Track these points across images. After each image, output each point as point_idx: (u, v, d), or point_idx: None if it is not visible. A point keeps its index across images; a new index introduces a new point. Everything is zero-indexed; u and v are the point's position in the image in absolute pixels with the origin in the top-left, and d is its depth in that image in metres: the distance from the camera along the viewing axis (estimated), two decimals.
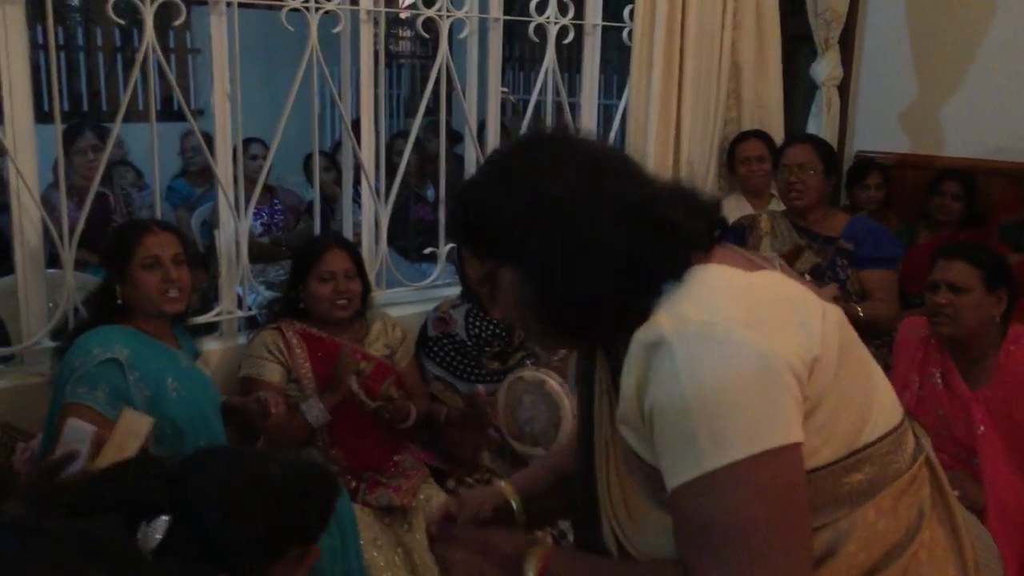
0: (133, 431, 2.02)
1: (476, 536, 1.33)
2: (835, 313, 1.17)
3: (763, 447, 1.04)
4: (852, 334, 1.20)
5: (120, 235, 2.43)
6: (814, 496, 1.11)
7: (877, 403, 1.20)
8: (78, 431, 1.87)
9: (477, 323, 3.09)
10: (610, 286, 1.13)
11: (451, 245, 3.47)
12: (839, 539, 1.14)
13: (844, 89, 4.30)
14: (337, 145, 4.93)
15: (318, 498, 1.41)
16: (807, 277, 2.97)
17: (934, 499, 1.25)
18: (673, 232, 1.14)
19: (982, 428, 2.44)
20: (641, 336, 1.10)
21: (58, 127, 2.70)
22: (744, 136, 3.88)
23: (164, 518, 1.26)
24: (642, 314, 1.11)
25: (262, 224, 4.35)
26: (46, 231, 2.65)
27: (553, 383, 2.82)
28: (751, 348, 1.05)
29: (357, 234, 3.42)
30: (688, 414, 1.05)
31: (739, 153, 3.86)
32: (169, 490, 1.30)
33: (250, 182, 3.11)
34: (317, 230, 3.30)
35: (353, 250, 2.90)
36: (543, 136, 1.28)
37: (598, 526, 1.29)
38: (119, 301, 2.34)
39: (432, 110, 3.46)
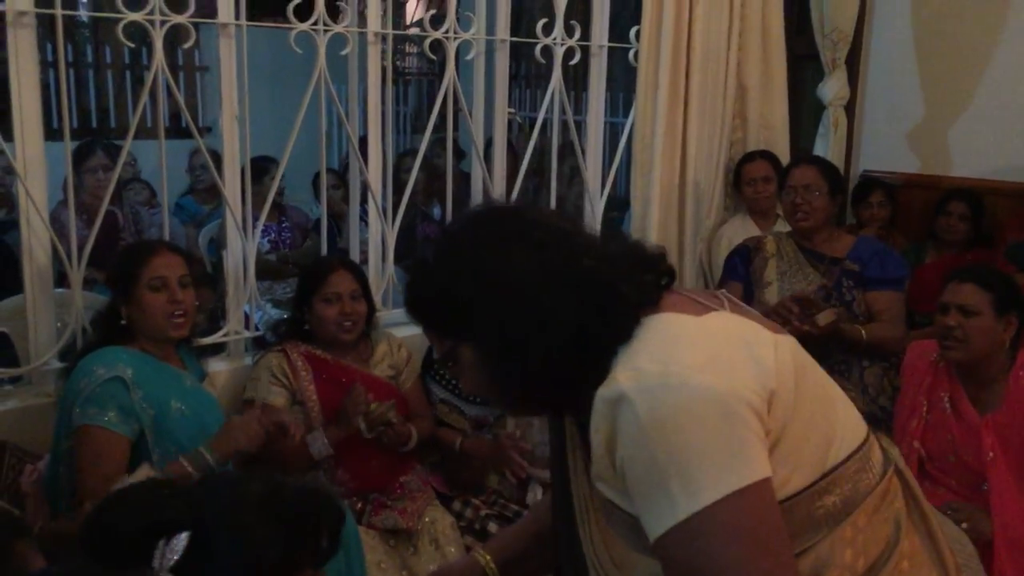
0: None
1: None
2: (788, 343, 1.20)
3: (733, 487, 1.07)
4: (807, 360, 1.23)
5: (127, 256, 2.44)
6: (790, 523, 1.13)
7: (839, 424, 1.23)
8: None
9: None
10: (562, 358, 1.17)
11: None
12: (821, 564, 1.17)
13: (850, 109, 4.30)
14: (346, 163, 4.95)
15: (329, 522, 1.41)
16: (811, 296, 2.97)
17: (909, 508, 1.28)
18: (619, 298, 1.18)
19: (991, 454, 2.43)
20: (603, 393, 1.13)
21: (67, 146, 2.71)
22: (750, 157, 3.88)
23: (184, 535, 1.26)
24: (601, 373, 1.15)
25: (269, 241, 4.36)
26: (55, 250, 2.66)
27: None
28: (708, 391, 1.08)
29: (364, 252, 3.42)
30: (656, 464, 1.08)
31: (745, 174, 3.86)
32: (185, 510, 1.30)
33: (263, 201, 3.11)
34: (324, 249, 3.30)
35: (358, 271, 2.90)
36: (493, 212, 1.32)
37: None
38: (123, 322, 2.34)
39: (439, 127, 3.47)
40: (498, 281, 1.17)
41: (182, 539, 1.26)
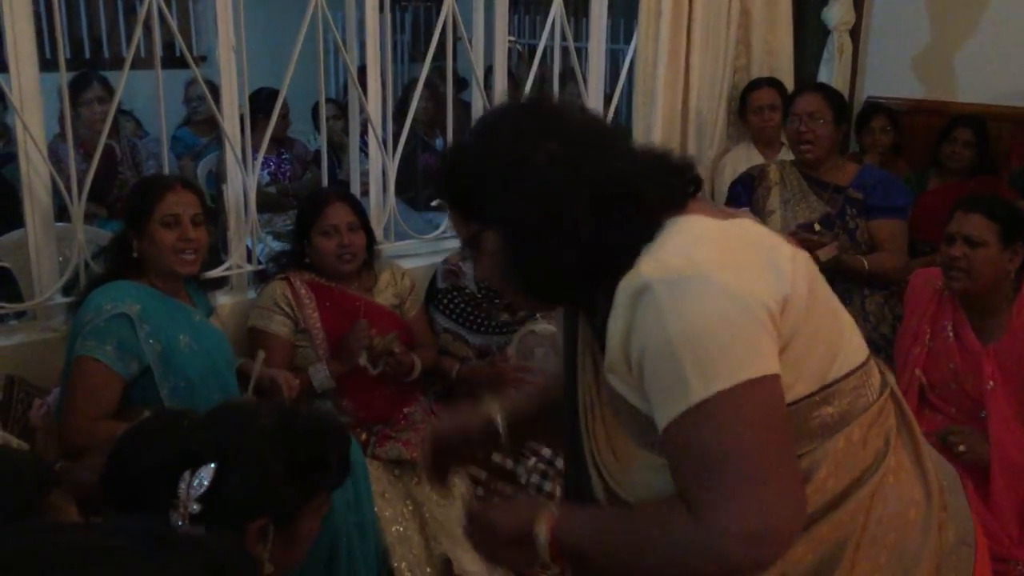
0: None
1: (483, 517, 1.38)
2: (803, 256, 1.24)
3: (746, 377, 1.12)
4: (819, 276, 1.27)
5: (143, 190, 2.41)
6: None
7: (844, 340, 1.27)
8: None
9: None
10: (584, 254, 1.20)
11: None
12: (813, 467, 1.22)
13: (855, 34, 4.23)
14: (344, 90, 4.88)
15: (339, 445, 1.46)
16: (817, 227, 2.97)
17: (899, 428, 1.33)
18: (644, 200, 1.21)
19: (991, 383, 2.45)
20: (625, 285, 1.17)
21: (63, 77, 2.67)
22: (757, 84, 3.83)
23: (212, 466, 1.28)
24: (623, 268, 1.18)
25: (269, 174, 4.33)
26: (54, 184, 2.64)
27: None
28: (728, 288, 1.13)
29: (365, 183, 3.40)
30: (674, 353, 1.12)
31: (751, 101, 3.81)
32: (208, 442, 1.32)
33: (263, 134, 3.08)
34: (325, 181, 3.28)
35: (355, 202, 2.89)
36: (534, 104, 1.34)
37: (586, 470, 1.37)
38: (135, 255, 2.34)
39: (437, 56, 3.41)
40: (529, 170, 1.19)
41: (210, 470, 1.28)
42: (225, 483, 1.29)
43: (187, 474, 1.28)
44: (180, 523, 1.27)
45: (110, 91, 3.87)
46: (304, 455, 1.37)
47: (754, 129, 3.84)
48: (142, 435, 1.37)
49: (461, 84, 4.61)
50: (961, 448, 2.34)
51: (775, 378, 1.15)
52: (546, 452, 2.79)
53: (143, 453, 1.32)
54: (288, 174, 4.43)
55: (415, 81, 4.80)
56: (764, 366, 1.13)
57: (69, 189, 2.65)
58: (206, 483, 1.27)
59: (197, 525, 1.27)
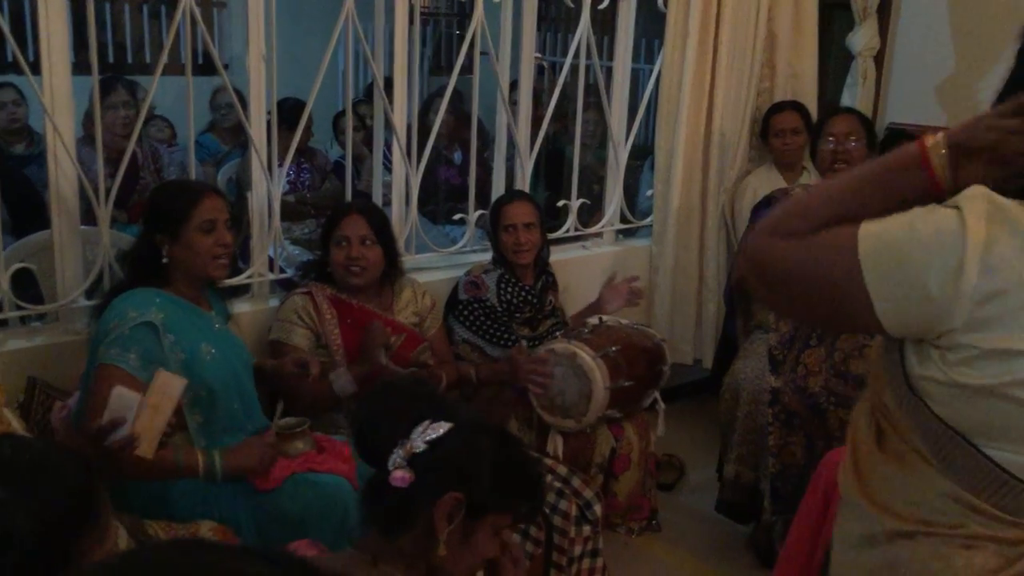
0: (168, 393, 2.04)
1: None
2: None
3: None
4: None
5: (177, 195, 2.40)
6: None
7: None
8: (125, 399, 1.88)
9: (509, 289, 3.09)
10: None
11: (480, 211, 3.46)
12: None
13: (880, 60, 4.23)
14: (360, 102, 4.88)
15: (539, 490, 1.58)
16: None
17: None
18: None
19: None
20: None
21: (96, 80, 2.68)
22: (780, 107, 3.82)
23: (447, 424, 1.47)
24: None
25: (288, 183, 4.33)
26: (80, 187, 2.64)
27: (584, 355, 2.81)
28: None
29: (386, 195, 3.40)
30: None
31: (774, 124, 3.81)
32: (450, 409, 1.53)
33: (288, 144, 3.08)
34: (349, 192, 3.28)
35: (375, 216, 2.87)
36: None
37: None
38: (164, 260, 2.33)
39: (461, 70, 3.41)
40: None
41: (444, 426, 1.46)
42: (450, 444, 1.45)
43: (427, 423, 1.46)
44: (399, 461, 1.44)
45: (134, 96, 3.88)
46: (515, 470, 1.51)
47: (776, 152, 3.83)
48: (399, 387, 1.63)
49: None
50: None
51: None
52: (562, 470, 2.78)
53: (396, 399, 1.54)
54: (308, 184, 4.43)
55: (434, 94, 4.84)
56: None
57: (97, 192, 2.65)
58: (437, 434, 1.45)
59: (409, 469, 1.44)
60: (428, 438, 1.45)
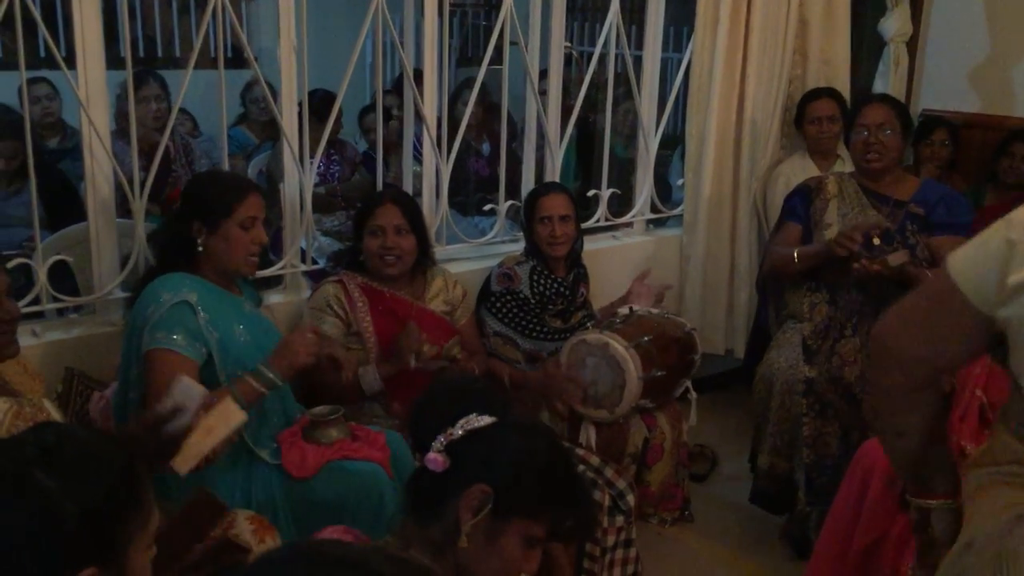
0: (227, 421, 1.97)
1: None
2: None
3: None
4: None
5: (224, 189, 2.41)
6: None
7: None
8: (189, 390, 1.88)
9: (541, 281, 3.08)
10: None
11: (510, 202, 3.46)
12: None
13: (912, 46, 4.18)
14: (387, 93, 4.88)
15: (583, 516, 1.54)
16: (876, 241, 2.91)
17: None
18: None
19: None
20: None
21: (129, 75, 2.70)
22: (816, 94, 3.77)
23: (489, 418, 1.50)
24: None
25: (318, 175, 4.34)
26: (115, 180, 2.66)
27: (617, 346, 2.80)
28: None
29: (416, 187, 3.41)
30: None
31: (809, 112, 3.76)
32: (497, 406, 1.56)
33: (319, 136, 3.09)
34: (380, 183, 3.28)
35: (409, 205, 2.89)
36: None
37: None
38: (200, 248, 2.34)
39: (490, 60, 3.40)
40: None
41: (487, 419, 1.49)
42: (487, 436, 1.48)
43: (473, 415, 1.50)
44: (437, 446, 1.47)
45: (166, 89, 3.91)
46: (553, 478, 1.48)
47: (811, 140, 3.79)
48: (458, 383, 1.77)
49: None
50: None
51: None
52: (594, 460, 2.78)
53: (452, 393, 1.62)
54: (337, 175, 4.45)
55: (461, 86, 4.83)
56: None
57: (131, 184, 2.67)
58: (477, 425, 1.48)
59: (445, 454, 1.46)
60: (468, 427, 1.48)
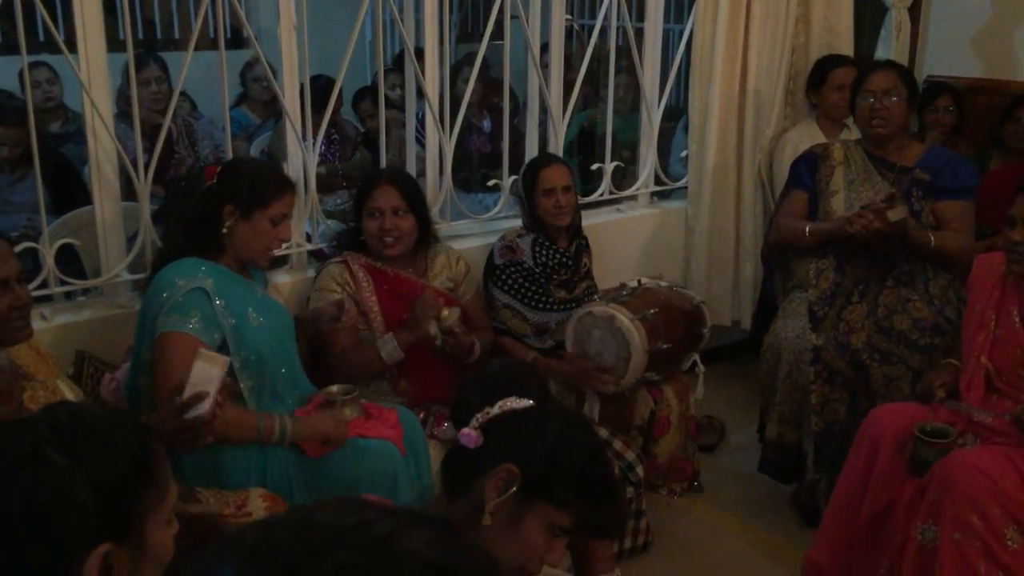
0: (208, 380, 2.01)
1: None
2: None
3: None
4: None
5: (269, 180, 2.40)
6: None
7: None
8: (207, 373, 1.89)
9: (544, 252, 3.09)
10: None
11: (514, 177, 3.45)
12: None
13: (915, 11, 4.15)
14: (388, 71, 4.85)
15: (611, 519, 1.54)
16: (882, 204, 2.90)
17: None
18: None
19: None
20: None
21: (131, 57, 2.69)
22: (840, 61, 3.71)
23: (529, 401, 1.52)
24: None
25: (319, 154, 4.34)
26: (119, 163, 2.66)
27: (623, 318, 2.81)
28: None
29: (419, 165, 3.40)
30: None
31: (833, 79, 3.69)
32: (538, 391, 1.62)
33: (319, 118, 3.08)
34: (383, 161, 3.28)
35: (407, 185, 2.88)
36: None
37: None
38: (224, 231, 2.34)
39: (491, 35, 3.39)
40: None
41: (526, 402, 1.51)
42: (523, 418, 1.49)
43: (513, 397, 1.51)
44: (474, 423, 1.48)
45: (166, 71, 3.90)
46: (583, 469, 1.47)
47: (829, 106, 3.72)
48: (506, 368, 1.87)
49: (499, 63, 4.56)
50: None
51: None
52: (603, 433, 2.79)
53: (498, 376, 1.73)
54: (338, 155, 4.44)
55: (461, 63, 4.80)
56: None
57: (136, 167, 2.67)
58: (515, 406, 1.50)
59: (480, 432, 1.47)
60: (506, 408, 1.49)
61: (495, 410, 1.49)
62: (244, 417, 2.22)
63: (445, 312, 2.70)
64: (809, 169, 3.16)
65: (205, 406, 1.87)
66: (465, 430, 1.47)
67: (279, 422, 2.24)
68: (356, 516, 0.74)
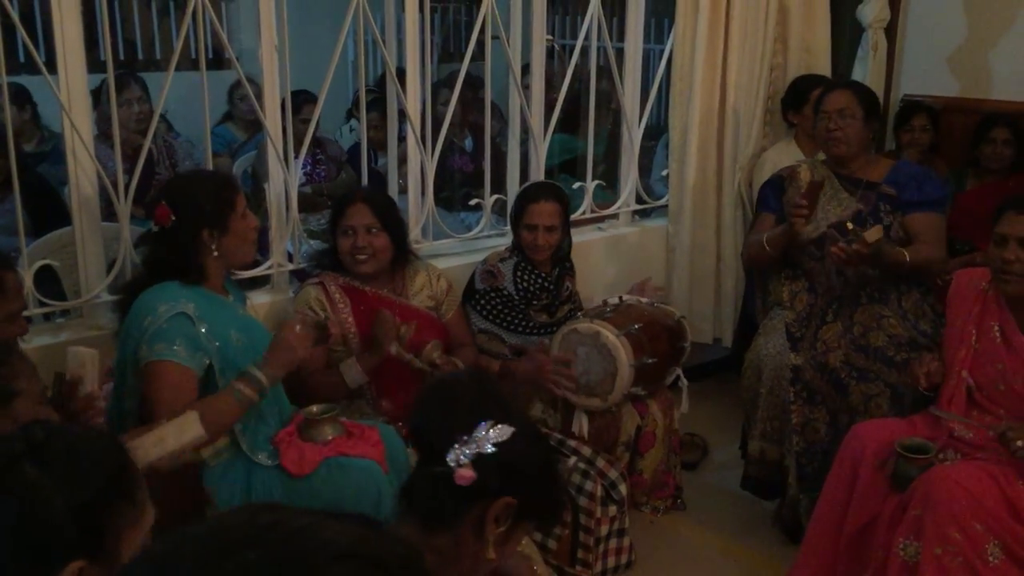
0: (181, 433, 2.03)
1: None
2: None
3: None
4: None
5: (214, 188, 2.37)
6: None
7: None
8: (79, 356, 1.94)
9: (525, 277, 3.09)
10: None
11: (496, 196, 3.46)
12: None
13: (891, 31, 4.20)
14: (371, 91, 4.86)
15: (563, 497, 1.60)
16: (849, 225, 2.93)
17: None
18: None
19: None
20: None
21: (111, 77, 2.69)
22: (820, 82, 3.77)
23: (512, 429, 1.43)
24: None
25: (305, 174, 4.33)
26: (100, 184, 2.65)
27: (608, 333, 2.82)
28: None
29: (402, 183, 3.40)
30: None
31: (813, 100, 3.72)
32: (514, 414, 1.50)
33: (300, 135, 3.09)
34: (364, 180, 3.28)
35: (382, 204, 2.87)
36: None
37: None
38: (215, 253, 2.33)
39: (472, 55, 3.40)
40: None
41: (508, 430, 1.42)
42: (514, 448, 1.41)
43: (491, 423, 1.42)
44: (463, 459, 1.40)
45: (146, 92, 3.89)
46: (554, 479, 1.50)
47: (810, 126, 3.75)
48: (462, 382, 1.56)
49: (478, 83, 4.58)
50: (1020, 443, 2.32)
51: None
52: (586, 451, 2.79)
53: (458, 394, 1.49)
54: (323, 174, 4.44)
55: (441, 83, 4.82)
56: None
57: (116, 188, 2.66)
58: (503, 437, 1.41)
59: (472, 468, 1.39)
60: (494, 441, 1.42)
61: (488, 446, 1.41)
62: (217, 401, 2.16)
63: (403, 328, 2.69)
64: (775, 193, 3.21)
65: (84, 390, 1.98)
66: (461, 471, 1.40)
67: (250, 378, 2.19)
68: (270, 516, 0.73)
